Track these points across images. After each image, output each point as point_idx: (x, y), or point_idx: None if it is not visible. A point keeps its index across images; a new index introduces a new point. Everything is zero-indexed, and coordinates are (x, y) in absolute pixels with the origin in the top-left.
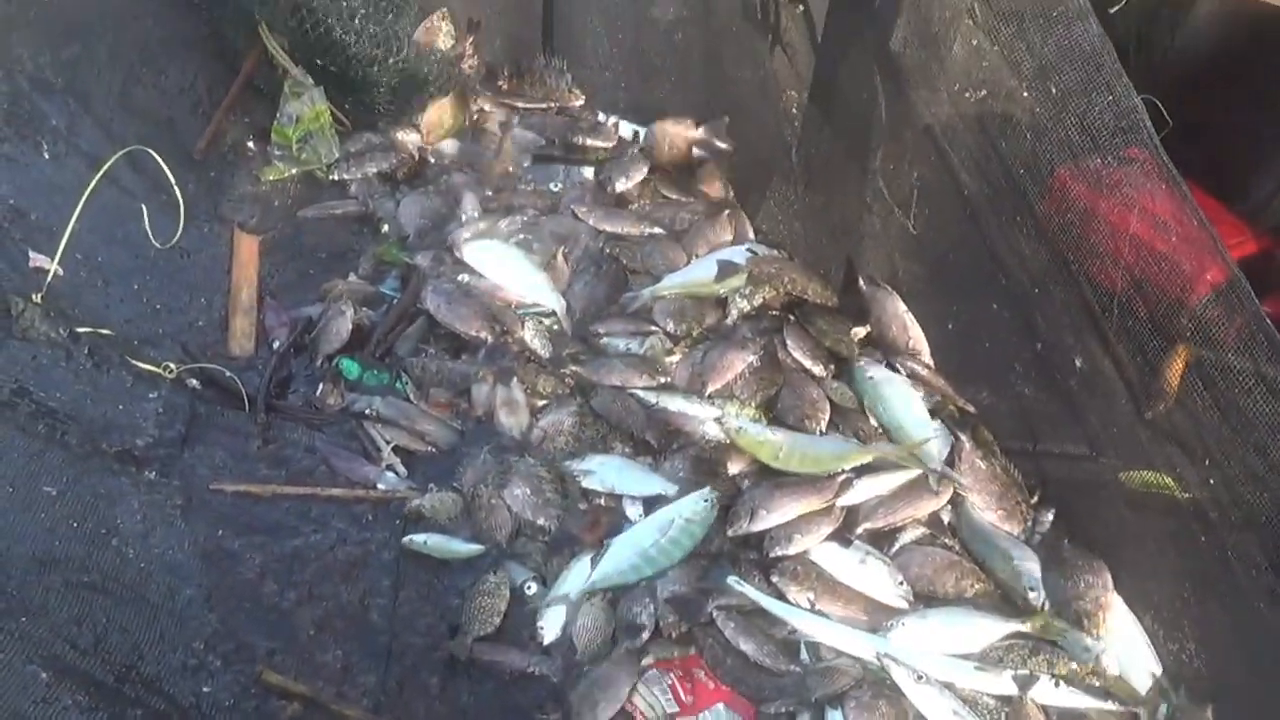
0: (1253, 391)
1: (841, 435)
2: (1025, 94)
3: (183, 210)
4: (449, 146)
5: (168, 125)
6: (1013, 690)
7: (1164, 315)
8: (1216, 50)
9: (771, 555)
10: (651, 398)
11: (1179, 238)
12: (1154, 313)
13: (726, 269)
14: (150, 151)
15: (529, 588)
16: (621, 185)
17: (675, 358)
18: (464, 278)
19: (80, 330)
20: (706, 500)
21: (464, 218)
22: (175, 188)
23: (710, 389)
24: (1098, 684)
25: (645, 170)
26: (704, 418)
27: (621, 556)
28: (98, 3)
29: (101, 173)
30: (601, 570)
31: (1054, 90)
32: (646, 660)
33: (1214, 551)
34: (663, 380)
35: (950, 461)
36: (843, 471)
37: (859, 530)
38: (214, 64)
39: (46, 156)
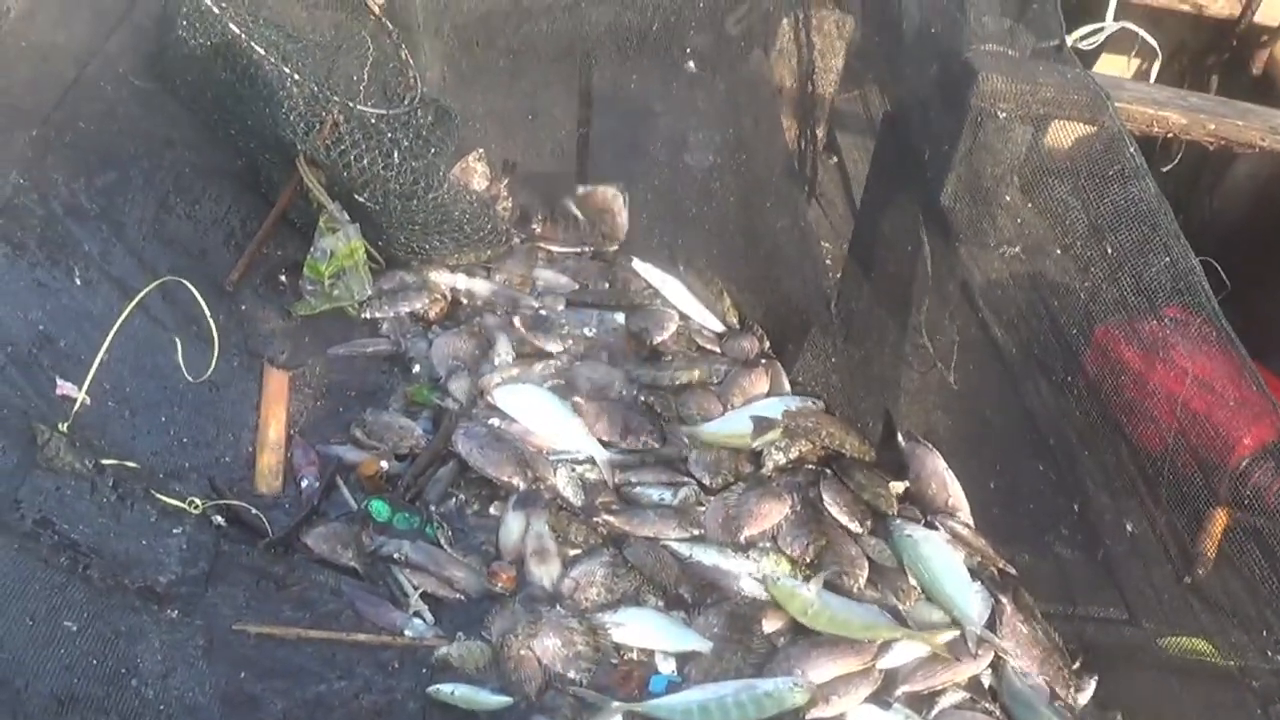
0: None
1: (879, 602)
2: (1076, 252)
3: (216, 343)
4: (481, 287)
5: (200, 256)
6: None
7: (1205, 476)
8: (1256, 210)
9: (808, 717)
10: (686, 550)
11: (1226, 399)
12: (1194, 473)
13: (762, 422)
14: (185, 283)
15: None
16: (659, 337)
17: (703, 508)
18: (495, 421)
19: (106, 462)
20: (798, 685)
21: (497, 360)
22: (209, 319)
23: (745, 534)
24: None
25: (677, 321)
26: (740, 572)
27: (687, 697)
28: (134, 130)
29: (136, 302)
30: (660, 702)
31: (1109, 250)
32: None
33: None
34: (695, 531)
35: (991, 624)
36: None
37: (898, 693)
38: (249, 195)
39: (78, 283)
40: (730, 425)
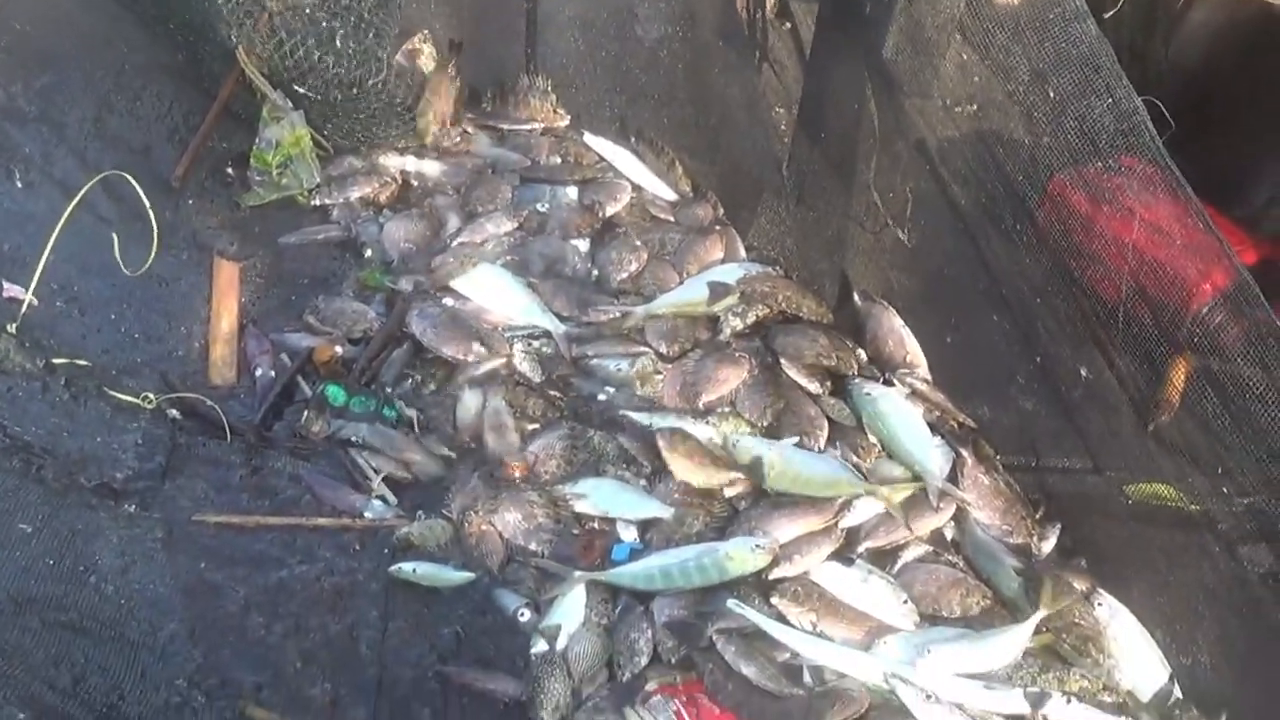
0: (1264, 398)
1: (839, 455)
2: (1021, 100)
3: (156, 236)
4: (431, 169)
5: (144, 153)
6: (1024, 709)
7: (1166, 324)
8: (1211, 57)
9: (771, 576)
10: (645, 419)
11: (1180, 244)
12: (1156, 322)
13: (718, 288)
14: (127, 177)
15: (522, 615)
16: (611, 209)
17: (660, 377)
18: (449, 301)
19: (56, 361)
20: (760, 547)
21: (449, 241)
22: (151, 213)
23: (703, 400)
24: (1109, 700)
25: (630, 192)
26: (700, 437)
27: (648, 564)
28: (71, 30)
29: (77, 199)
30: (622, 570)
31: (1051, 94)
32: (650, 686)
33: (1227, 563)
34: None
35: (953, 477)
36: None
37: (860, 549)
38: (190, 90)
39: (19, 185)
40: (686, 294)
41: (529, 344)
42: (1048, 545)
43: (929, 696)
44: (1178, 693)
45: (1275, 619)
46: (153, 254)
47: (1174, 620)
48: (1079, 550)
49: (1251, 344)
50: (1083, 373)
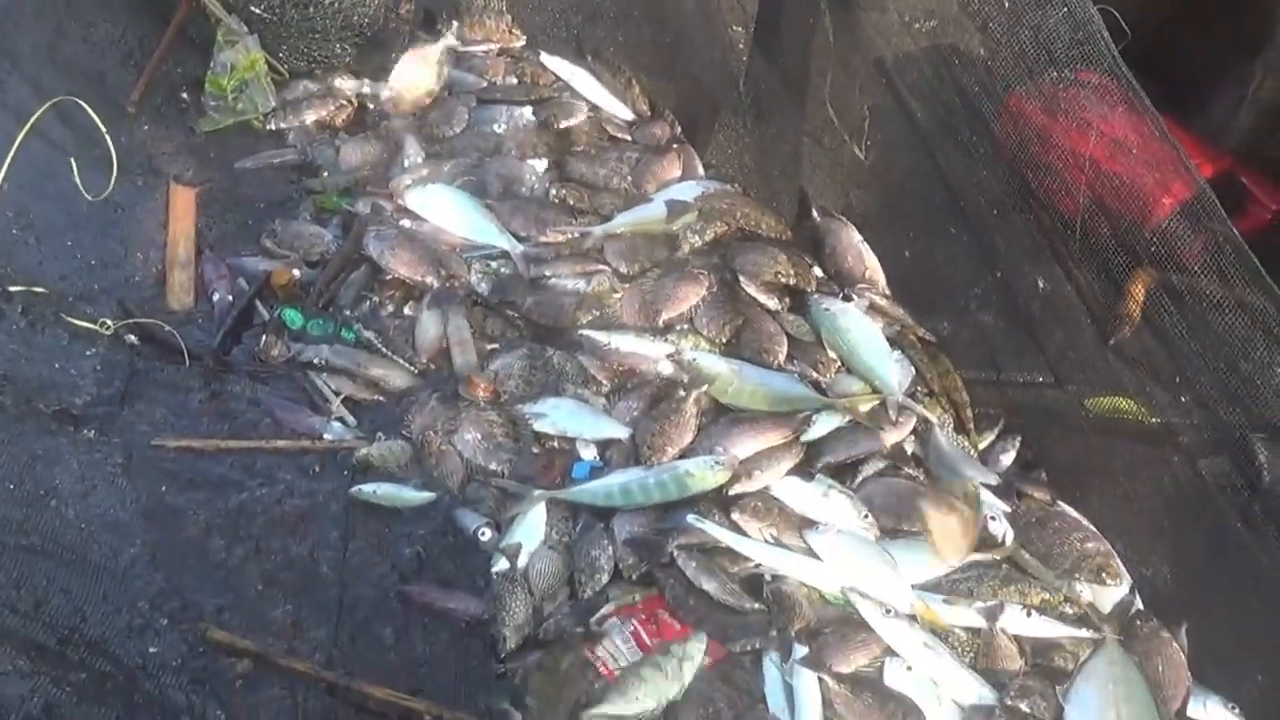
0: (1222, 306)
1: (798, 371)
2: (977, 13)
3: (115, 161)
4: (387, 91)
5: (98, 79)
6: (982, 622)
7: (1125, 237)
8: None
9: (731, 492)
10: (604, 338)
11: (1139, 157)
12: (1115, 235)
13: (676, 206)
14: (80, 102)
15: (482, 534)
16: (565, 123)
17: (618, 295)
18: (406, 223)
19: (13, 289)
20: (719, 463)
21: (405, 163)
22: (107, 138)
23: (663, 318)
24: (1070, 611)
25: (582, 114)
26: (658, 356)
27: (608, 481)
28: None
29: (29, 125)
30: (582, 488)
31: (1007, 4)
32: (607, 608)
33: (1186, 474)
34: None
35: (912, 393)
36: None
37: (820, 464)
38: (144, 15)
39: None
40: (644, 212)
41: (487, 264)
42: (1008, 458)
43: (888, 611)
44: (1139, 604)
45: (1235, 529)
46: (113, 179)
47: (1134, 532)
48: (1039, 463)
49: (1211, 257)
50: (1041, 284)
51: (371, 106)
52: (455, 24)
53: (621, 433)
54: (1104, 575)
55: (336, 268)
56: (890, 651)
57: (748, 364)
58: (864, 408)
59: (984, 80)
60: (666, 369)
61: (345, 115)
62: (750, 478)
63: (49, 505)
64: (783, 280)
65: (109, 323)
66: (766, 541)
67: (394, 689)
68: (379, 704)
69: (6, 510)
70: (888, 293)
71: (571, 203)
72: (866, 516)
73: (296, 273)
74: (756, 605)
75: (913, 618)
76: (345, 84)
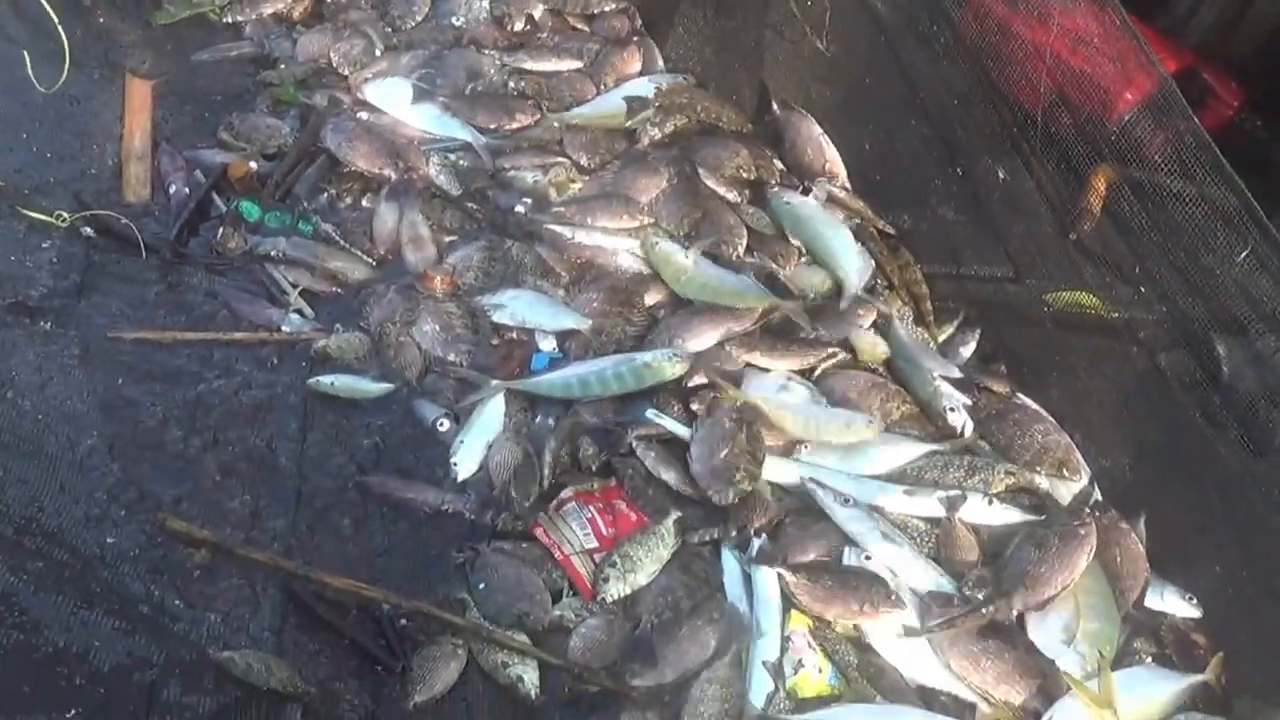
0: (1183, 199)
1: (757, 268)
2: None
3: (67, 52)
4: None
5: None
6: (941, 512)
7: (1087, 131)
8: None
9: (690, 384)
10: (565, 231)
11: (1101, 51)
12: (1076, 129)
13: (635, 101)
14: None
15: (441, 425)
16: (520, 24)
17: (577, 186)
18: (364, 115)
19: None
20: (676, 355)
21: (364, 55)
22: (60, 31)
23: (624, 210)
24: (1028, 502)
25: (540, 6)
26: (617, 249)
27: (567, 373)
28: None
29: None
30: (540, 379)
31: None
32: (565, 493)
33: (1146, 367)
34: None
35: (872, 286)
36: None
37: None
38: None
39: None
40: (603, 106)
41: (445, 157)
42: (967, 350)
43: (846, 501)
44: (1097, 495)
45: (1195, 422)
46: (65, 70)
47: (1093, 424)
48: (999, 356)
49: (1173, 150)
50: (1001, 178)
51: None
52: None
53: (581, 324)
54: (1064, 470)
55: (294, 160)
56: (848, 541)
57: (704, 259)
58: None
59: None
60: (626, 261)
61: (303, 7)
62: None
63: (5, 396)
64: (744, 175)
65: (65, 215)
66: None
67: (352, 579)
68: (337, 593)
69: None
70: (848, 186)
71: (530, 95)
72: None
73: (253, 165)
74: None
75: (872, 508)
76: None
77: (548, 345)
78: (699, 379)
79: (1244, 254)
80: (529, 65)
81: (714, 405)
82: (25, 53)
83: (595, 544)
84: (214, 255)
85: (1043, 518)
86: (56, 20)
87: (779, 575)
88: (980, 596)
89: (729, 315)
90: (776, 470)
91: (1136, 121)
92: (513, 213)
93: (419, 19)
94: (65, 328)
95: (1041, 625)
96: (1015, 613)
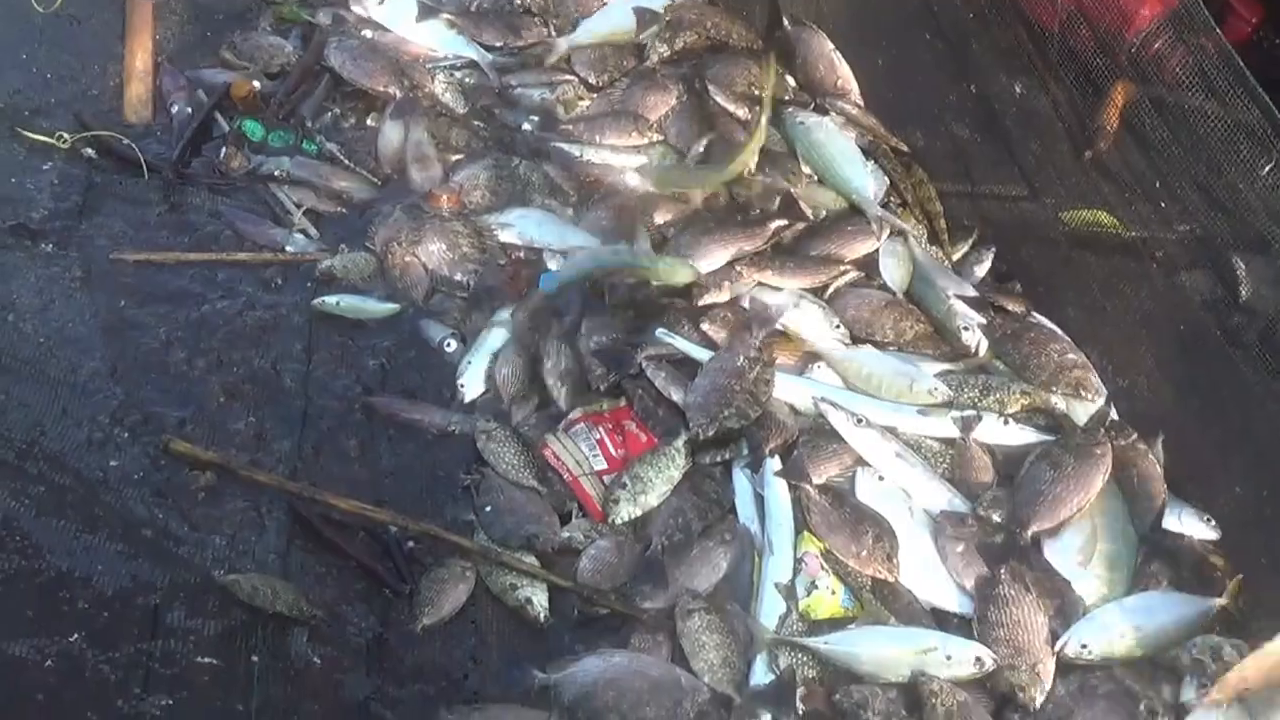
0: (1204, 115)
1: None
2: None
3: None
4: None
5: None
6: (955, 432)
7: (1104, 47)
8: None
9: (700, 303)
10: (574, 150)
11: None
12: (1094, 45)
13: (645, 15)
14: None
15: (448, 345)
16: None
17: (585, 103)
18: (368, 33)
19: None
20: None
21: None
22: None
23: (634, 126)
24: (1043, 423)
25: None
26: (626, 167)
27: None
28: None
29: None
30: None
31: None
32: (575, 413)
33: (1165, 286)
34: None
35: (885, 203)
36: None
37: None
38: None
39: None
40: (611, 20)
41: (451, 74)
42: (981, 269)
43: (860, 421)
44: (1114, 415)
45: (1214, 339)
46: None
47: (1111, 344)
48: (1014, 275)
49: (1194, 64)
50: (1018, 90)
51: None
52: None
53: (589, 243)
54: (1081, 390)
55: (297, 79)
56: (862, 462)
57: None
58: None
59: None
60: (634, 180)
61: None
62: (720, 288)
63: (6, 319)
64: (755, 92)
65: (66, 136)
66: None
67: (359, 501)
68: (344, 515)
69: None
70: (860, 103)
71: (535, 11)
72: (838, 326)
73: (257, 84)
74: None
75: (886, 428)
76: None
77: (555, 265)
78: (710, 297)
79: (1268, 168)
80: None
81: (735, 334)
82: None
83: (604, 465)
84: (217, 175)
85: (1057, 438)
86: None
87: (799, 490)
88: (995, 517)
89: (740, 233)
90: (789, 389)
91: (1156, 35)
92: (520, 131)
93: None
94: (67, 249)
95: (1057, 546)
96: (1031, 534)
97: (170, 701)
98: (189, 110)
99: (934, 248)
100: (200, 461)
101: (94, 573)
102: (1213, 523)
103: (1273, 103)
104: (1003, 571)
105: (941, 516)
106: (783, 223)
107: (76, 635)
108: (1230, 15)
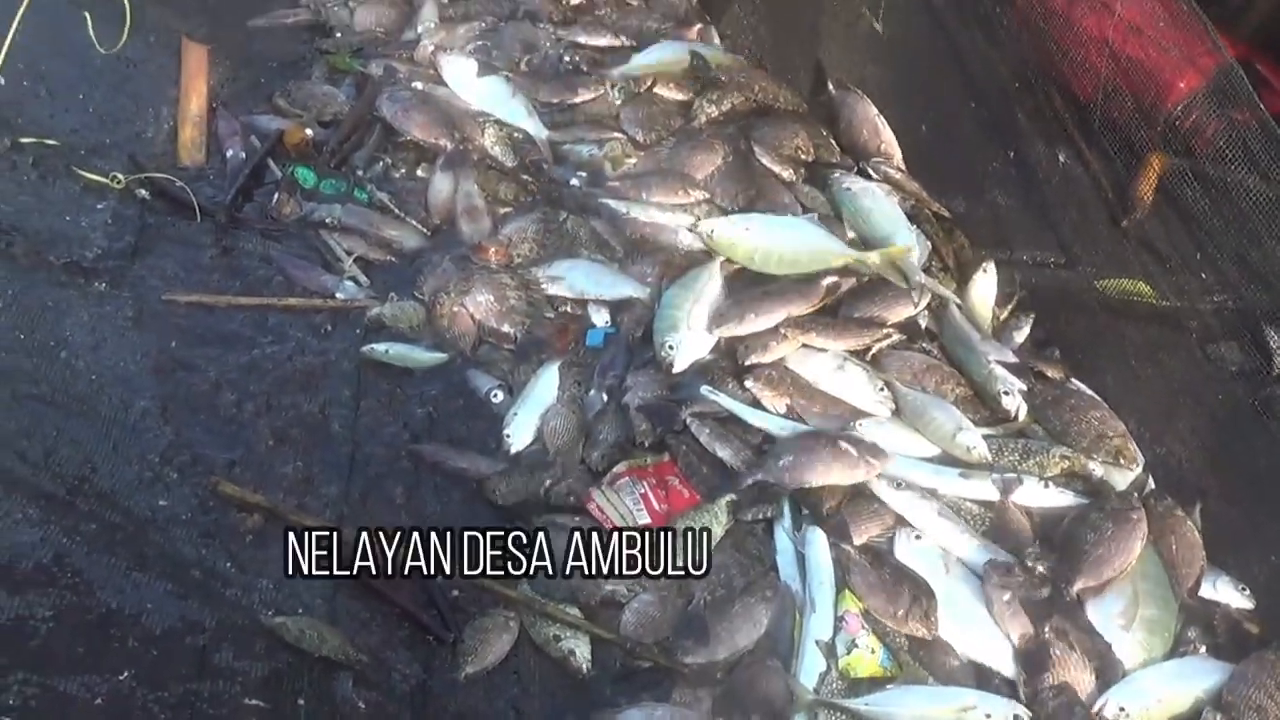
0: (1242, 187)
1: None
2: None
3: (129, 13)
4: None
5: None
6: (995, 495)
7: (1143, 119)
8: None
9: (746, 363)
10: (621, 206)
11: (1161, 36)
12: (1135, 116)
13: (698, 58)
14: None
15: (495, 395)
16: None
17: (632, 161)
18: (420, 85)
19: (24, 140)
20: None
21: (421, 27)
22: None
23: (682, 185)
24: (1081, 488)
25: None
26: (676, 225)
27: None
28: None
29: None
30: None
31: None
32: (619, 467)
33: (1199, 356)
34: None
35: (926, 268)
36: (826, 275)
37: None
38: None
39: None
40: (663, 53)
41: (501, 128)
42: (1020, 335)
43: (899, 485)
44: (1151, 484)
45: (1249, 411)
46: (126, 31)
47: (1147, 411)
48: (1052, 341)
49: (1235, 135)
50: (1060, 161)
51: None
52: None
53: (640, 291)
54: (1121, 458)
55: (349, 128)
56: (902, 522)
57: (767, 221)
58: (898, 257)
59: None
60: (685, 238)
61: None
62: (766, 349)
63: (59, 356)
64: (802, 155)
65: (120, 176)
66: (781, 412)
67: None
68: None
69: (17, 359)
70: (903, 167)
71: (587, 69)
72: (882, 389)
73: (309, 132)
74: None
75: (926, 490)
76: None
77: (601, 320)
78: (756, 357)
79: None
80: (583, 40)
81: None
82: (86, 14)
83: (648, 519)
84: (269, 220)
85: (1093, 503)
86: None
87: (840, 549)
88: (1041, 569)
89: (795, 293)
90: None
91: (1195, 106)
92: (568, 186)
93: None
94: (119, 289)
95: (1100, 607)
96: (1076, 591)
97: None
98: (243, 155)
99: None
100: (248, 504)
101: (143, 611)
102: (1248, 591)
103: None
104: (1047, 629)
105: (988, 565)
106: (834, 281)
107: (126, 674)
108: (1266, 90)
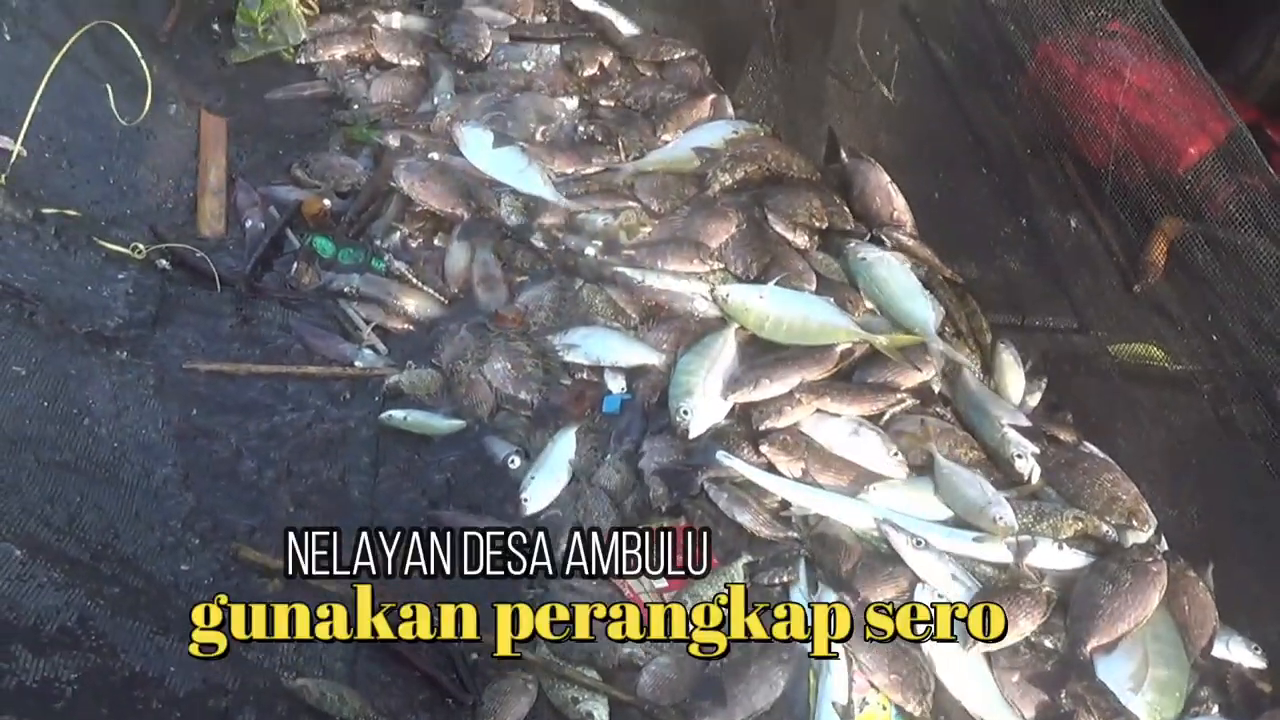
0: (1253, 252)
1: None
2: None
3: (150, 86)
4: (418, 25)
5: (131, 6)
6: (1009, 557)
7: (1154, 184)
8: None
9: (761, 428)
10: (637, 275)
11: (1172, 103)
12: (1146, 181)
13: (705, 153)
14: (116, 26)
15: (512, 461)
16: (590, 69)
17: (647, 229)
18: (436, 155)
19: (46, 211)
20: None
21: (437, 98)
22: (142, 62)
23: (696, 254)
24: (1093, 548)
25: (610, 53)
26: (691, 293)
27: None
28: None
29: (65, 49)
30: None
31: None
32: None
33: (1211, 420)
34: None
35: (939, 333)
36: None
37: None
38: None
39: (8, 38)
40: (674, 154)
41: (516, 197)
42: (1033, 400)
43: (919, 544)
44: (1164, 545)
45: (1261, 473)
46: (148, 103)
47: (1160, 474)
48: (1064, 405)
49: (1246, 201)
50: (1071, 227)
51: None
52: None
53: (655, 358)
54: (1133, 519)
55: (367, 198)
56: (918, 583)
57: (781, 292)
58: (904, 342)
59: (1019, 20)
60: (700, 306)
61: (375, 51)
62: (781, 414)
63: (81, 424)
64: (815, 223)
65: (141, 247)
66: (796, 477)
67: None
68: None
69: (40, 427)
70: (915, 233)
71: (602, 139)
72: (895, 454)
73: (327, 202)
74: (790, 534)
75: (943, 552)
76: (376, 19)
77: (617, 386)
78: (770, 422)
79: None
80: (600, 110)
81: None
82: (108, 86)
83: (665, 584)
84: (288, 290)
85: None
86: (139, 54)
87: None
88: (1048, 644)
89: (810, 358)
90: (850, 513)
91: (1206, 172)
92: (583, 254)
93: (487, 49)
94: (141, 358)
95: (1111, 666)
96: (1089, 650)
97: None
98: (261, 225)
99: (987, 378)
100: (269, 569)
101: (166, 674)
102: (1260, 651)
103: None
104: (1063, 695)
105: (995, 651)
106: (847, 346)
107: None
108: (1276, 155)
